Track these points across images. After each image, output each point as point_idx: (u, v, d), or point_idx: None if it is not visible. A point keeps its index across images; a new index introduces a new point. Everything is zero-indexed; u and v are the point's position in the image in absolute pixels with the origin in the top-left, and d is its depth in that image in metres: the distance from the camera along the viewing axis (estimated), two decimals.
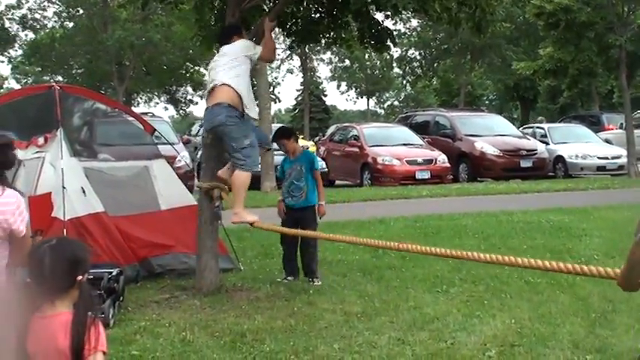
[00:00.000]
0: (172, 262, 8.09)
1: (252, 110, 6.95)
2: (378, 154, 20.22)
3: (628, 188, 17.50)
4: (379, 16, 8.54)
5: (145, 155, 8.74)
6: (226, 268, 8.07)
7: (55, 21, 40.16)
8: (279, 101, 76.84)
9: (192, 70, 41.82)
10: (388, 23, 14.44)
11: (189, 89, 45.50)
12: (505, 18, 27.07)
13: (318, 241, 7.93)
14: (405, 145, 20.98)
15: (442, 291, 7.24)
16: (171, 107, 48.35)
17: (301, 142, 8.57)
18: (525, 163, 21.06)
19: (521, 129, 25.33)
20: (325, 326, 6.08)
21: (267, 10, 7.82)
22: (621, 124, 23.41)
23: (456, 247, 9.14)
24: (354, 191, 18.09)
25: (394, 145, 20.83)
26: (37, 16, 39.87)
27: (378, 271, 8.20)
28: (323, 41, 8.98)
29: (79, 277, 2.81)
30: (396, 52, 46.29)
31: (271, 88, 51.37)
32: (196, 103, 47.06)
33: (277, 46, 8.15)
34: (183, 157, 15.42)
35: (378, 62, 58.90)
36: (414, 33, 46.11)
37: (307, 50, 47.01)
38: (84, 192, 7.52)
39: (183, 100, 46.69)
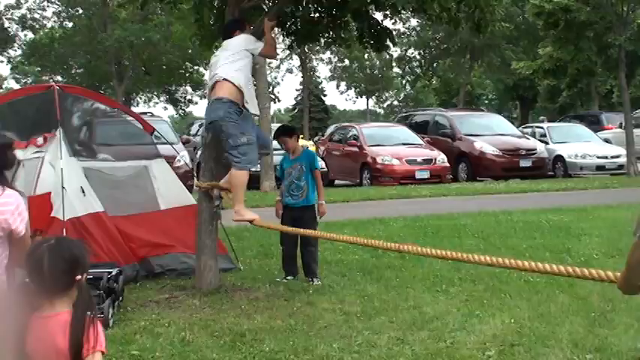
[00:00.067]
0: (172, 262, 8.09)
1: (253, 106, 6.94)
2: (377, 153, 20.23)
3: (627, 187, 17.50)
4: (378, 15, 8.54)
5: (145, 155, 8.73)
6: (226, 268, 8.07)
7: (55, 21, 40.25)
8: (279, 101, 76.73)
9: (191, 70, 41.80)
10: (387, 23, 14.46)
11: (189, 89, 45.48)
12: (504, 17, 27.01)
13: (318, 240, 7.93)
14: (404, 144, 20.98)
15: (442, 290, 7.23)
16: (170, 107, 48.33)
17: (301, 142, 8.57)
18: (525, 163, 21.07)
19: (520, 128, 25.34)
20: (325, 326, 6.08)
21: (266, 10, 7.81)
22: (621, 123, 23.40)
23: (455, 246, 9.15)
24: (353, 191, 18.09)
25: (394, 144, 20.84)
26: (36, 16, 39.99)
27: (377, 270, 8.20)
28: (322, 41, 8.97)
29: (78, 277, 2.81)
30: (395, 51, 46.36)
31: (271, 87, 51.34)
32: (196, 103, 47.13)
33: (277, 45, 8.13)
34: (183, 157, 15.41)
35: (378, 62, 58.95)
36: (413, 33, 46.14)
37: (307, 50, 46.95)
38: (83, 192, 7.52)
39: (182, 100, 46.66)
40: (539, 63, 24.03)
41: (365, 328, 5.96)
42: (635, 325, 5.83)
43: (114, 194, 8.10)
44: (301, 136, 28.51)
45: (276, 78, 59.44)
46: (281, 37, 8.99)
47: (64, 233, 6.75)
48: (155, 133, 8.95)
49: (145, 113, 17.99)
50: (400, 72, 52.41)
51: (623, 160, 21.35)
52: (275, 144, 17.79)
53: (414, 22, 43.31)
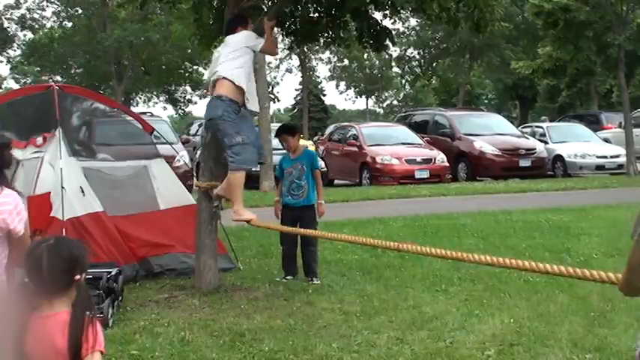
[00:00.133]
0: (171, 262, 8.09)
1: (253, 103, 6.94)
2: (377, 153, 20.22)
3: (627, 187, 17.51)
4: (378, 15, 8.54)
5: (144, 155, 8.74)
6: (225, 268, 8.07)
7: (54, 21, 40.21)
8: (278, 101, 76.80)
9: (190, 70, 41.77)
10: (387, 22, 14.49)
11: (188, 89, 45.43)
12: (504, 17, 27.03)
13: (318, 240, 7.93)
14: (404, 144, 20.98)
15: (441, 290, 7.24)
16: (170, 107, 48.31)
17: (300, 142, 8.57)
18: (524, 163, 21.07)
19: (520, 128, 25.35)
20: (324, 325, 6.08)
21: (265, 10, 7.82)
22: (620, 123, 23.40)
23: (455, 246, 9.15)
24: (353, 191, 18.09)
25: (393, 144, 20.83)
26: (35, 16, 39.93)
27: (377, 270, 8.20)
28: (322, 41, 8.98)
29: (77, 277, 2.81)
30: (394, 51, 46.33)
31: (270, 87, 51.39)
32: (195, 103, 47.03)
33: (277, 43, 8.13)
34: (182, 157, 15.41)
35: (377, 62, 58.89)
36: (412, 32, 46.13)
37: (306, 50, 46.94)
38: (83, 192, 7.53)
39: (182, 100, 46.63)
40: (539, 63, 24.03)
41: (364, 328, 5.96)
42: (635, 324, 5.83)
43: (113, 194, 8.10)
44: (301, 135, 28.51)
45: (275, 78, 59.43)
46: (280, 37, 8.97)
47: (64, 233, 6.74)
48: (154, 132, 8.95)
49: (144, 113, 18.00)
50: (400, 72, 52.40)
51: (622, 159, 21.35)
52: (275, 143, 17.85)
53: (413, 21, 43.34)
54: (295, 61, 55.24)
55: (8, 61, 43.13)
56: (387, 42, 8.69)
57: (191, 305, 6.79)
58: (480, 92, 59.59)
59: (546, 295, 6.89)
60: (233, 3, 7.47)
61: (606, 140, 23.52)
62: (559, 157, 21.96)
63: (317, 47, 44.96)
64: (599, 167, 21.67)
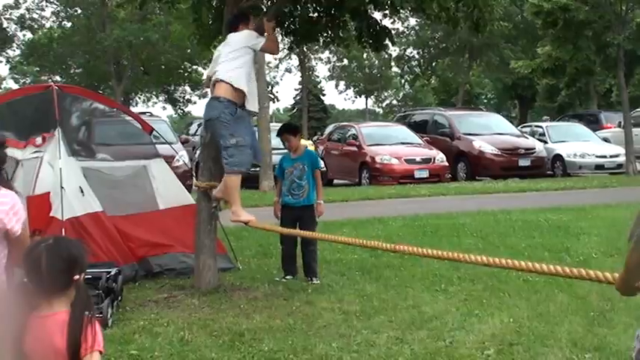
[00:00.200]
0: (171, 262, 8.09)
1: (253, 104, 6.94)
2: (376, 153, 20.22)
3: (626, 187, 17.51)
4: (377, 15, 8.54)
5: (144, 155, 8.74)
6: (225, 268, 8.07)
7: (53, 21, 40.21)
8: (278, 100, 76.85)
9: (190, 70, 41.76)
10: (386, 22, 14.48)
11: (188, 89, 45.42)
12: (503, 17, 27.06)
13: (317, 240, 7.93)
14: (403, 144, 20.97)
15: (441, 290, 7.24)
16: (169, 107, 48.32)
17: (300, 142, 8.55)
18: (524, 162, 21.07)
19: (519, 128, 25.36)
20: (324, 325, 6.08)
21: (265, 9, 7.81)
22: (619, 122, 23.41)
23: (454, 245, 9.16)
24: (352, 190, 18.09)
25: (393, 144, 20.82)
26: (34, 15, 39.94)
27: (376, 270, 8.20)
28: (321, 40, 8.97)
29: (76, 277, 2.81)
30: (394, 51, 46.34)
31: (269, 87, 51.39)
32: (194, 103, 47.04)
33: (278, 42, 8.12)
34: (182, 157, 15.39)
35: (377, 61, 58.92)
36: (412, 32, 46.14)
37: (305, 49, 46.94)
38: (82, 192, 7.52)
39: (181, 100, 46.63)
40: (538, 62, 24.01)
41: (364, 328, 5.96)
42: (634, 324, 5.82)
43: (113, 194, 8.10)
44: (301, 135, 28.48)
45: (275, 78, 59.47)
46: (280, 37, 8.96)
47: (63, 233, 6.74)
48: (154, 132, 8.95)
49: (143, 113, 18.01)
50: (399, 71, 52.42)
51: (622, 159, 21.34)
52: (274, 143, 17.84)
53: (412, 21, 43.36)
54: (295, 60, 55.31)
55: (7, 61, 43.20)
56: (387, 42, 8.69)
57: (190, 305, 6.79)
58: (479, 92, 59.59)
59: (546, 295, 6.89)
60: (232, 3, 7.46)
61: (606, 140, 23.51)
62: (558, 157, 21.96)
63: (316, 47, 45.02)
64: (599, 167, 21.67)
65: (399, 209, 13.36)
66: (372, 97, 68.64)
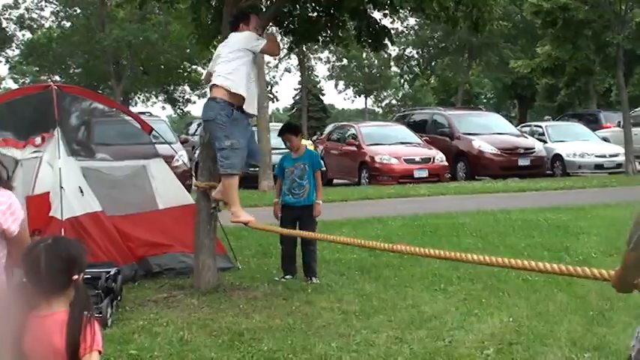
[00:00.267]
0: (170, 262, 8.09)
1: (251, 106, 6.92)
2: (376, 152, 20.22)
3: (626, 186, 17.51)
4: (377, 14, 8.54)
5: (143, 155, 8.73)
6: (224, 267, 8.07)
7: (53, 21, 40.23)
8: (277, 100, 76.74)
9: (189, 70, 41.78)
10: (386, 22, 14.44)
11: (187, 88, 45.46)
12: (502, 16, 27.07)
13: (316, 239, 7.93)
14: (402, 143, 20.97)
15: (440, 289, 7.24)
16: (168, 106, 48.35)
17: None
18: (523, 162, 21.08)
19: (519, 127, 25.36)
20: (323, 325, 6.08)
21: (264, 9, 7.80)
22: (619, 122, 23.40)
23: (453, 245, 9.16)
24: (352, 190, 18.09)
25: (392, 143, 20.82)
26: (34, 15, 39.96)
27: (376, 269, 8.20)
28: (320, 40, 8.97)
29: (75, 277, 2.81)
30: (393, 50, 46.42)
31: (269, 87, 51.40)
32: (194, 103, 47.06)
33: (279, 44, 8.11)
34: (181, 157, 15.39)
35: (376, 61, 58.96)
36: (411, 32, 46.15)
37: (305, 49, 46.95)
38: (81, 191, 7.52)
39: (180, 100, 46.65)
40: (538, 62, 24.00)
41: (363, 327, 5.96)
42: (634, 323, 5.81)
43: (112, 194, 8.10)
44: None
45: (274, 77, 59.48)
46: (279, 37, 8.96)
47: (63, 233, 6.74)
48: (153, 132, 8.94)
49: (143, 113, 17.99)
50: (398, 71, 52.47)
51: (621, 158, 21.34)
52: (274, 143, 17.83)
53: (412, 21, 43.36)
54: (294, 60, 55.32)
55: (7, 61, 43.21)
56: (386, 41, 8.69)
57: (190, 305, 6.79)
58: (478, 91, 59.63)
59: (545, 295, 6.89)
60: (231, 3, 7.45)
61: (605, 139, 23.51)
62: (558, 157, 21.96)
63: (316, 47, 45.02)
64: (598, 166, 21.67)
65: (398, 209, 13.37)
66: (371, 96, 68.69)
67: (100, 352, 2.78)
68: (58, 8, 39.45)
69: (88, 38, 36.87)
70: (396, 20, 38.72)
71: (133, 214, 8.16)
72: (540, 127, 24.34)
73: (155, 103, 48.55)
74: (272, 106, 64.35)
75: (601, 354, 5.23)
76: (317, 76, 67.57)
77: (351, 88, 65.40)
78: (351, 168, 20.86)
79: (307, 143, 21.29)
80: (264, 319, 6.24)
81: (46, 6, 39.73)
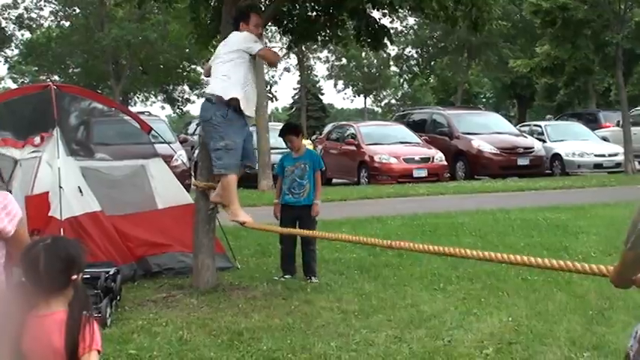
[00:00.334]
0: (169, 261, 8.08)
1: (249, 108, 6.88)
2: (375, 152, 20.23)
3: (625, 186, 17.52)
4: (376, 14, 8.54)
5: (142, 154, 8.73)
6: (223, 267, 8.06)
7: (52, 20, 40.25)
8: (276, 100, 76.61)
9: (188, 69, 41.79)
10: (385, 21, 14.49)
11: (186, 88, 45.48)
12: (502, 16, 27.05)
13: (316, 239, 7.93)
14: (402, 143, 20.99)
15: (439, 289, 7.24)
16: (167, 106, 48.36)
17: None
18: (522, 161, 21.10)
19: (518, 127, 25.36)
20: (322, 324, 6.07)
21: (263, 9, 7.80)
22: (618, 121, 23.42)
23: (453, 244, 9.13)
24: (351, 189, 18.10)
25: (391, 143, 20.84)
26: (33, 15, 39.97)
27: (375, 269, 8.20)
28: (319, 39, 8.97)
29: (74, 277, 2.81)
30: (393, 50, 46.43)
31: (268, 86, 51.39)
32: (193, 102, 47.08)
33: (274, 44, 8.08)
34: (180, 156, 15.42)
35: (375, 60, 58.97)
36: (410, 31, 46.15)
37: (304, 48, 46.98)
38: (81, 191, 7.52)
39: (180, 99, 46.66)
40: (537, 61, 24.01)
41: (362, 327, 5.96)
42: (633, 322, 5.80)
43: (111, 193, 8.09)
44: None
45: (273, 77, 59.44)
46: (278, 36, 8.96)
47: (62, 233, 6.74)
48: (152, 132, 8.94)
49: (142, 112, 17.99)
50: (398, 70, 52.50)
51: (620, 158, 21.36)
52: (273, 142, 17.81)
53: (411, 20, 43.35)
54: (293, 60, 55.38)
55: (6, 61, 43.21)
56: (385, 41, 8.69)
57: (189, 304, 6.79)
58: (478, 91, 59.67)
59: (544, 294, 6.89)
60: (230, 2, 7.44)
61: (604, 139, 23.52)
62: (557, 156, 21.97)
63: (315, 46, 45.03)
64: (597, 166, 21.68)
65: (397, 208, 13.37)
66: (370, 96, 68.71)
67: (99, 352, 2.78)
68: (57, 8, 39.48)
69: (87, 38, 36.88)
70: (396, 20, 38.76)
71: (132, 214, 8.16)
72: (539, 126, 24.37)
73: (154, 102, 48.63)
74: (271, 106, 64.30)
75: (600, 353, 5.23)
76: (316, 76, 67.72)
77: (351, 87, 65.42)
78: (350, 167, 20.86)
79: (306, 143, 21.34)
80: (263, 319, 6.24)
81: (45, 6, 39.78)
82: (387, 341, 5.57)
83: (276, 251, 8.42)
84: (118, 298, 6.74)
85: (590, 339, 5.50)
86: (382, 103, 73.48)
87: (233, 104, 6.69)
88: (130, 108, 25.74)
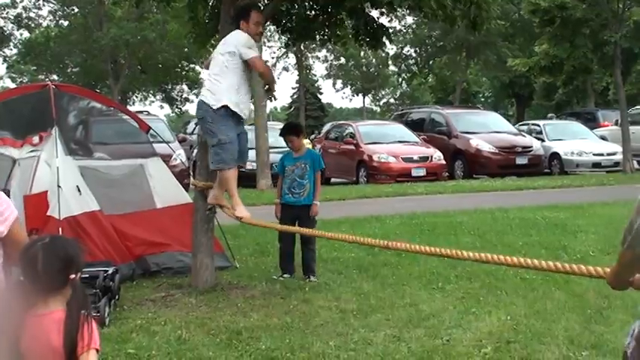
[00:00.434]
0: (168, 261, 8.09)
1: (243, 109, 6.89)
2: (373, 151, 20.23)
3: (623, 185, 17.50)
4: (374, 13, 8.54)
5: (141, 153, 8.73)
6: (222, 266, 8.06)
7: (50, 20, 40.23)
8: (275, 99, 76.26)
9: (187, 69, 41.78)
10: (383, 20, 14.46)
11: (185, 87, 45.47)
12: (500, 15, 27.05)
13: (316, 239, 7.93)
14: (400, 142, 20.99)
15: (438, 288, 7.24)
16: (166, 106, 48.34)
17: None
18: (521, 160, 21.11)
19: (516, 126, 25.37)
20: (321, 324, 6.08)
21: (262, 8, 7.78)
22: (617, 120, 23.42)
23: (451, 244, 9.17)
24: (349, 189, 18.10)
25: (390, 142, 20.85)
26: (31, 14, 39.93)
27: (373, 268, 8.20)
28: (318, 39, 8.96)
29: (72, 276, 2.81)
30: (391, 49, 46.38)
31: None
32: (192, 102, 47.04)
33: (273, 43, 8.09)
34: (179, 156, 15.41)
35: (374, 60, 58.94)
36: (409, 30, 46.13)
37: (302, 48, 46.94)
38: (79, 191, 7.51)
39: (178, 99, 46.64)
40: (535, 60, 23.99)
41: (361, 326, 5.96)
42: (631, 321, 5.83)
43: (110, 193, 8.09)
44: None
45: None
46: (277, 35, 8.96)
47: (60, 232, 6.74)
48: (151, 131, 8.93)
49: (141, 112, 17.99)
50: (396, 70, 52.40)
51: (619, 157, 21.36)
52: (271, 142, 17.81)
53: (409, 19, 43.31)
54: (292, 59, 55.32)
55: (4, 60, 43.23)
56: (384, 40, 8.68)
57: (188, 304, 6.79)
58: (476, 90, 59.67)
59: (543, 293, 6.90)
60: (229, 1, 7.44)
61: (603, 138, 23.53)
62: (556, 155, 21.99)
63: (313, 45, 45.02)
64: (596, 165, 21.69)
65: (396, 207, 13.37)
66: (369, 95, 68.68)
67: (97, 351, 2.79)
68: (55, 7, 39.45)
69: (85, 37, 36.86)
70: (394, 19, 38.80)
71: (130, 213, 8.16)
72: (538, 125, 24.39)
73: (153, 102, 48.62)
74: (270, 105, 64.20)
75: (599, 352, 5.23)
76: (315, 75, 67.62)
77: (349, 86, 65.39)
78: (348, 167, 20.87)
79: (305, 142, 21.36)
80: (262, 318, 6.24)
81: (43, 5, 39.74)
82: (385, 340, 5.58)
83: (274, 250, 8.42)
84: (117, 297, 6.74)
85: (588, 338, 5.50)
86: (381, 103, 73.54)
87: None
88: (128, 107, 25.72)
